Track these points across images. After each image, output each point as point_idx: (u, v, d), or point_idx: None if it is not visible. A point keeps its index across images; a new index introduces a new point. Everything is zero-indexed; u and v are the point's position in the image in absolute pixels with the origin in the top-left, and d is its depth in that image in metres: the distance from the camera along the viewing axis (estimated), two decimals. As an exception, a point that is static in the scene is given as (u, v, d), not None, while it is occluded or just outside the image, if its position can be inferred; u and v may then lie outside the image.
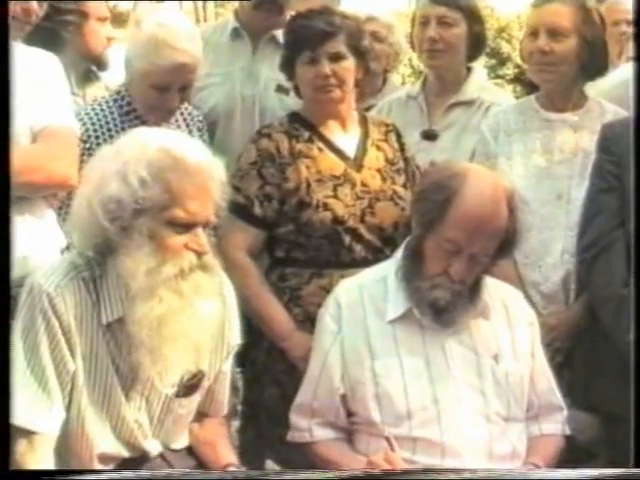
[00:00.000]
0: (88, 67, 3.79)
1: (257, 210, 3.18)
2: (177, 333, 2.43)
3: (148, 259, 2.39)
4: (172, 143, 2.44)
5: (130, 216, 2.38)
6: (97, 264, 2.48)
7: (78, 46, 3.71)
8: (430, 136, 3.75)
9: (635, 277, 2.77)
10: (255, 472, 2.74)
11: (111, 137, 3.25)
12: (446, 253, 2.69)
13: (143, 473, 2.48)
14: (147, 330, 2.41)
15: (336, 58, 3.18)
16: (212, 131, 3.70)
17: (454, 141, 3.73)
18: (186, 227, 2.41)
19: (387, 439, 2.65)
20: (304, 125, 3.29)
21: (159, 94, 3.30)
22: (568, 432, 2.90)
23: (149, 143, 2.43)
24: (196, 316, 2.44)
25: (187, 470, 2.62)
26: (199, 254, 2.44)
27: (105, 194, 2.37)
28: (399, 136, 3.42)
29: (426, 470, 2.59)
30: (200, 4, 21.46)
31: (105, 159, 2.46)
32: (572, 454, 2.87)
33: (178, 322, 2.42)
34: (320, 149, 3.24)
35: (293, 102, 3.54)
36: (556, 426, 2.88)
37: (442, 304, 2.71)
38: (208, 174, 2.43)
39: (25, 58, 2.84)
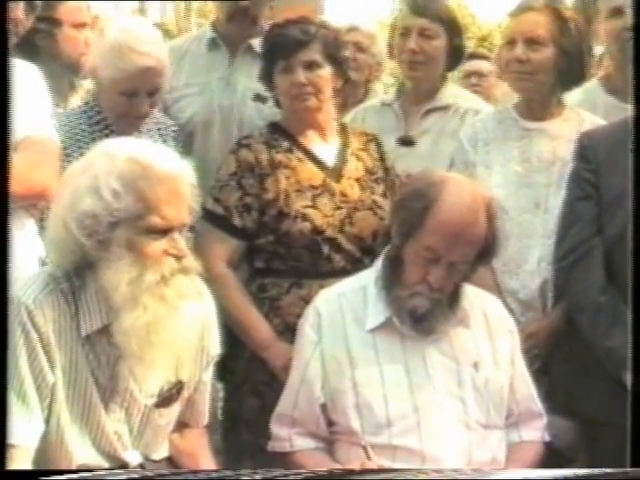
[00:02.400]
0: (67, 75, 3.77)
1: (237, 221, 3.19)
2: (165, 339, 2.44)
3: (129, 269, 2.39)
4: (140, 152, 2.45)
5: (106, 229, 2.38)
6: (76, 276, 2.47)
7: (53, 54, 3.70)
8: (406, 142, 3.74)
9: (634, 279, 2.77)
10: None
11: (80, 148, 3.24)
12: (425, 261, 2.70)
13: (143, 473, 2.51)
14: (136, 339, 2.41)
15: (311, 66, 3.19)
16: (190, 141, 3.70)
17: (431, 147, 3.73)
18: (163, 233, 2.42)
19: (364, 448, 2.66)
20: (283, 135, 3.29)
21: (128, 100, 3.28)
22: (548, 438, 2.91)
23: (117, 154, 2.43)
24: (181, 321, 2.45)
25: (187, 470, 2.63)
26: (178, 258, 2.44)
27: (79, 210, 2.37)
28: (379, 146, 3.43)
29: (391, 470, 2.60)
30: (182, 15, 21.49)
31: (75, 175, 2.46)
32: (551, 460, 2.88)
33: (165, 328, 2.42)
34: (299, 159, 3.25)
35: (271, 111, 3.54)
36: (536, 433, 2.89)
37: (421, 312, 2.72)
38: (179, 178, 2.44)
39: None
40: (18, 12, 2.98)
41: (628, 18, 3.17)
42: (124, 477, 2.42)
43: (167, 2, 22.05)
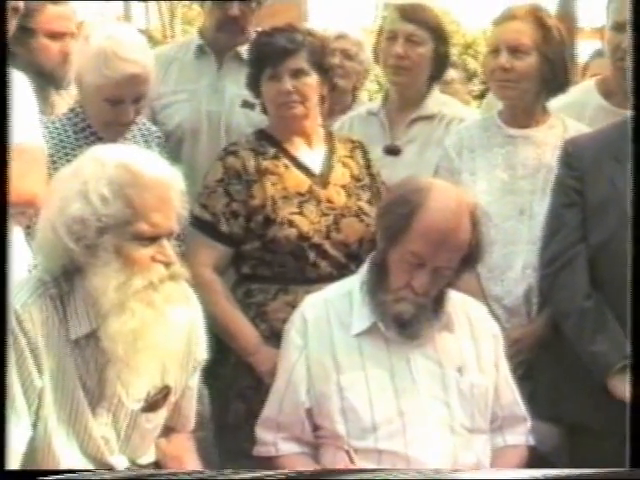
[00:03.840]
0: (44, 85, 3.75)
1: (223, 227, 3.20)
2: (152, 344, 2.44)
3: (117, 275, 2.40)
4: (130, 158, 2.46)
5: (95, 234, 2.39)
6: (64, 280, 2.48)
7: (27, 63, 3.68)
8: (392, 151, 3.76)
9: (633, 282, 2.79)
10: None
11: (66, 155, 3.26)
12: (410, 266, 2.72)
13: (143, 473, 2.52)
14: (123, 344, 2.41)
15: (298, 74, 3.21)
16: (178, 148, 3.71)
17: (417, 156, 3.74)
18: (151, 240, 2.43)
19: (347, 452, 2.67)
20: (270, 142, 3.31)
21: (113, 108, 3.27)
22: (532, 443, 2.93)
23: (107, 160, 2.43)
24: (169, 325, 2.45)
25: (187, 470, 2.64)
26: (166, 265, 2.45)
27: (68, 215, 2.38)
28: (365, 153, 3.45)
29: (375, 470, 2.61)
30: (167, 22, 21.47)
31: (64, 180, 2.46)
32: (535, 464, 2.89)
33: (152, 334, 2.43)
34: (286, 166, 3.26)
35: (259, 118, 3.56)
36: (520, 437, 2.91)
37: (406, 317, 2.73)
38: (167, 185, 2.45)
39: None
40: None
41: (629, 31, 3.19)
42: (124, 477, 2.44)
43: (152, 9, 22.01)
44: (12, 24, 3.01)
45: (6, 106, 2.51)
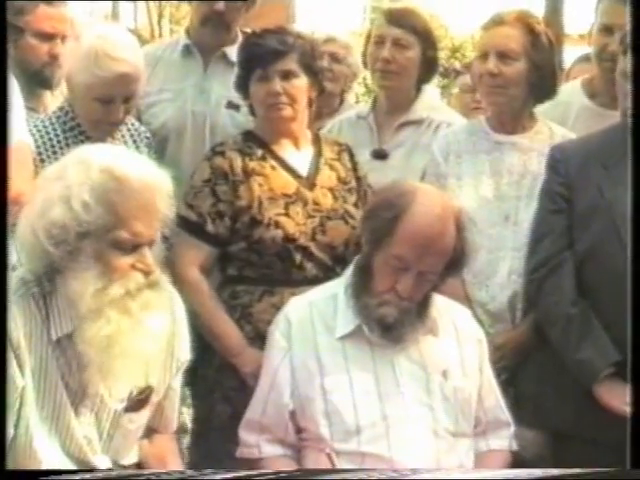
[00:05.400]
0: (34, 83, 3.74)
1: (209, 227, 3.19)
2: (127, 351, 2.43)
3: (95, 281, 2.39)
4: (115, 162, 2.42)
5: (75, 239, 2.37)
6: (47, 280, 2.47)
7: (17, 61, 3.68)
8: (380, 155, 3.76)
9: (633, 285, 2.79)
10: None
11: (55, 153, 3.26)
12: (394, 270, 2.72)
13: (143, 473, 2.51)
14: (96, 349, 2.41)
15: (287, 76, 3.21)
16: (163, 147, 3.70)
17: (404, 160, 3.74)
18: (132, 248, 2.41)
19: (328, 455, 2.67)
20: (257, 143, 3.31)
21: (103, 107, 3.27)
22: (515, 447, 2.94)
23: (92, 164, 2.41)
24: (145, 333, 2.44)
25: (168, 470, 2.62)
26: (146, 273, 2.44)
27: (48, 219, 2.36)
28: (352, 155, 3.45)
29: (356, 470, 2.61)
30: (155, 21, 21.45)
31: (48, 181, 2.44)
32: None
33: (127, 340, 2.42)
34: (273, 167, 3.26)
35: (244, 119, 3.57)
36: (503, 442, 2.92)
37: (390, 321, 2.73)
38: (154, 191, 2.43)
39: None
40: None
41: (619, 34, 3.19)
42: (124, 477, 2.43)
43: (140, 9, 22.00)
44: None
45: (5, 106, 2.49)
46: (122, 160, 2.45)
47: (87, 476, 2.35)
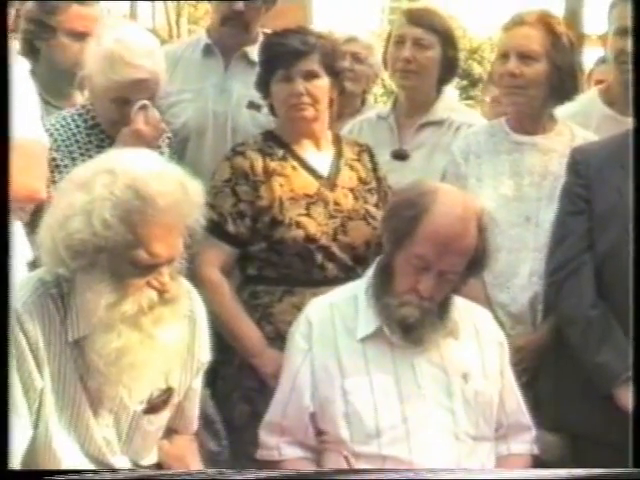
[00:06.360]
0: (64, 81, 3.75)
1: (230, 227, 3.19)
2: (137, 363, 2.42)
3: (109, 295, 2.36)
4: (143, 178, 2.33)
5: (92, 252, 2.33)
6: (65, 281, 2.45)
7: (47, 60, 3.70)
8: (400, 156, 3.76)
9: (634, 290, 2.78)
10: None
11: (80, 148, 3.30)
12: (415, 270, 2.71)
13: (143, 473, 2.50)
14: (105, 361, 2.40)
15: (310, 77, 3.20)
16: (183, 147, 3.70)
17: (424, 161, 3.74)
18: (149, 267, 2.37)
19: (345, 458, 2.66)
20: (278, 143, 3.30)
21: (120, 108, 3.28)
22: (536, 452, 2.92)
23: (118, 177, 2.33)
24: (156, 346, 2.42)
25: (189, 470, 2.63)
26: (160, 292, 2.41)
27: (68, 230, 2.32)
28: (372, 156, 3.45)
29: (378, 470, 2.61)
30: (173, 20, 21.52)
31: (73, 186, 2.38)
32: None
33: (137, 353, 2.40)
34: (294, 167, 3.26)
35: (265, 119, 3.57)
36: (524, 446, 2.91)
37: (411, 321, 2.72)
38: (181, 207, 2.37)
39: None
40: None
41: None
42: (125, 477, 2.42)
43: (158, 8, 22.08)
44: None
45: (8, 102, 2.48)
46: (149, 175, 2.36)
47: (90, 476, 2.35)
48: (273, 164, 3.24)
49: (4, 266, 2.33)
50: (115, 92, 3.26)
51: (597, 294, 2.99)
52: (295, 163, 3.27)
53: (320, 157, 3.32)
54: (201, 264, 3.10)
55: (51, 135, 3.24)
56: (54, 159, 3.21)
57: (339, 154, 3.36)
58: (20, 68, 2.96)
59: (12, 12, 2.89)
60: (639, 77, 2.97)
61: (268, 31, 3.68)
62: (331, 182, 3.28)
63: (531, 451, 2.91)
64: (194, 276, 2.78)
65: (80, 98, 3.71)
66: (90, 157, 3.09)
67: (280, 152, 3.27)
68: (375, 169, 3.42)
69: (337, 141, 3.40)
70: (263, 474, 2.35)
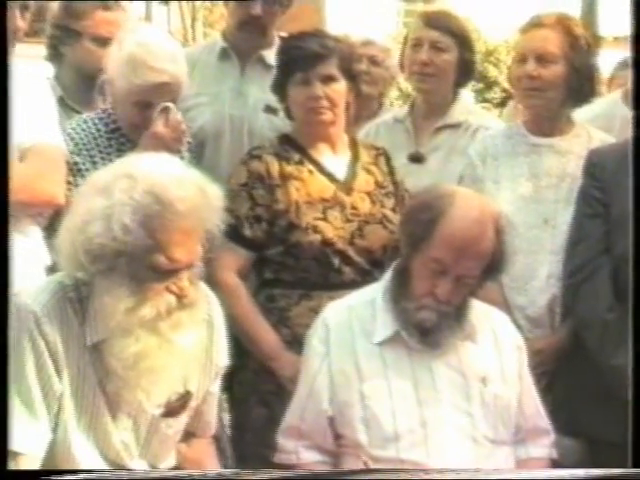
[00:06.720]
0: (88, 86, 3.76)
1: (247, 231, 3.19)
2: (155, 367, 2.43)
3: (127, 299, 2.36)
4: (163, 183, 2.34)
5: (111, 257, 2.33)
6: (84, 284, 2.46)
7: (72, 65, 3.72)
8: (417, 159, 3.75)
9: (633, 297, 2.77)
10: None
11: (100, 152, 3.30)
12: (432, 273, 2.70)
13: (142, 473, 2.50)
14: (123, 365, 2.41)
15: (328, 80, 3.19)
16: (201, 151, 3.70)
17: (441, 164, 3.73)
18: (168, 272, 2.37)
19: (364, 463, 2.66)
20: (294, 147, 3.30)
21: (141, 112, 3.29)
22: (555, 456, 2.90)
23: (138, 182, 2.33)
24: (175, 350, 2.43)
25: (187, 470, 2.63)
26: (179, 297, 2.41)
27: (87, 235, 2.32)
28: (388, 160, 3.44)
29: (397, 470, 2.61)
30: (188, 24, 21.55)
31: (93, 191, 2.38)
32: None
33: (155, 357, 2.41)
34: (310, 171, 3.25)
35: (282, 123, 3.56)
36: (543, 450, 2.89)
37: (428, 325, 2.72)
38: (201, 212, 2.37)
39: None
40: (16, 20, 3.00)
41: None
42: (125, 477, 2.42)
43: (173, 11, 22.11)
44: (24, 24, 3.02)
45: (7, 105, 2.48)
46: (169, 180, 2.36)
47: (90, 476, 2.35)
48: (289, 168, 3.24)
49: (4, 266, 2.34)
50: (137, 95, 3.27)
51: (614, 297, 2.98)
52: (311, 167, 3.26)
53: (336, 161, 3.31)
54: (217, 268, 3.09)
55: (72, 139, 3.26)
56: (75, 163, 3.22)
57: (355, 158, 3.35)
58: (39, 74, 2.97)
59: (16, 13, 2.88)
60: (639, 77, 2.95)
61: (283, 34, 3.67)
62: (348, 186, 3.27)
63: (550, 455, 2.89)
64: (210, 280, 2.78)
65: (101, 103, 3.72)
66: (111, 161, 3.10)
67: (296, 156, 3.27)
68: (392, 172, 3.41)
69: (353, 145, 3.39)
70: (277, 474, 2.36)
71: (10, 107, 2.48)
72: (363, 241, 3.21)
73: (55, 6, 3.70)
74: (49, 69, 3.14)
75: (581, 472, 2.41)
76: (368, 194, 3.29)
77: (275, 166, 3.23)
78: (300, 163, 3.26)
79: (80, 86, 3.68)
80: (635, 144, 2.88)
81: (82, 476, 2.33)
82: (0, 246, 2.35)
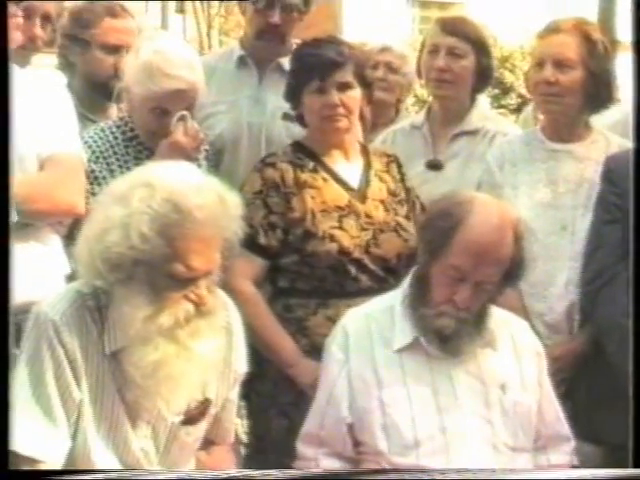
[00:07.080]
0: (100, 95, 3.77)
1: (262, 239, 3.18)
2: (174, 375, 2.43)
3: (145, 307, 2.37)
4: (181, 192, 2.34)
5: (129, 266, 2.34)
6: (103, 293, 2.46)
7: (82, 74, 3.73)
8: (435, 166, 3.74)
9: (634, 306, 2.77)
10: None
11: (118, 160, 3.32)
12: (451, 280, 2.70)
13: (142, 473, 2.49)
14: (142, 373, 2.41)
15: (344, 87, 3.18)
16: (218, 159, 3.70)
17: (459, 171, 3.72)
18: (186, 280, 2.38)
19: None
20: (308, 155, 3.28)
21: (158, 119, 3.30)
22: (576, 463, 2.89)
23: (156, 190, 2.33)
24: (193, 358, 2.43)
25: (187, 470, 2.63)
26: (197, 305, 2.41)
27: (105, 244, 2.32)
28: (400, 167, 3.42)
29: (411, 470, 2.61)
30: (204, 32, 21.60)
31: (111, 200, 2.39)
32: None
33: (174, 365, 2.41)
34: (324, 179, 3.24)
35: (299, 130, 3.54)
36: (564, 457, 2.87)
37: (447, 332, 2.71)
38: (219, 220, 2.38)
39: (31, 82, 2.86)
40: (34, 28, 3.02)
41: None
42: (126, 477, 2.42)
43: (189, 20, 22.18)
44: (44, 34, 3.04)
45: (8, 110, 2.48)
46: (187, 188, 2.36)
47: (89, 476, 2.35)
48: (304, 176, 3.23)
49: (4, 266, 2.35)
50: (153, 103, 3.28)
51: (632, 303, 2.96)
52: (326, 175, 3.25)
53: (349, 168, 3.30)
54: (233, 276, 3.07)
55: (89, 147, 3.27)
56: (92, 171, 3.23)
57: (368, 165, 3.34)
58: (58, 82, 2.98)
59: (16, 12, 2.89)
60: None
61: (299, 41, 3.67)
62: (361, 194, 3.26)
63: (571, 462, 2.88)
64: (225, 288, 2.77)
65: (116, 111, 3.73)
66: (128, 169, 3.12)
67: (310, 164, 3.25)
68: (403, 180, 3.40)
69: (365, 152, 3.38)
70: (286, 474, 2.36)
71: (10, 107, 2.49)
72: (378, 249, 3.19)
73: (64, 16, 3.71)
74: (62, 78, 3.14)
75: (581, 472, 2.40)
76: (382, 202, 3.28)
77: (290, 174, 3.22)
78: (314, 171, 3.24)
79: (91, 94, 3.68)
80: (636, 150, 2.87)
81: (82, 476, 2.34)
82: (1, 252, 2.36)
